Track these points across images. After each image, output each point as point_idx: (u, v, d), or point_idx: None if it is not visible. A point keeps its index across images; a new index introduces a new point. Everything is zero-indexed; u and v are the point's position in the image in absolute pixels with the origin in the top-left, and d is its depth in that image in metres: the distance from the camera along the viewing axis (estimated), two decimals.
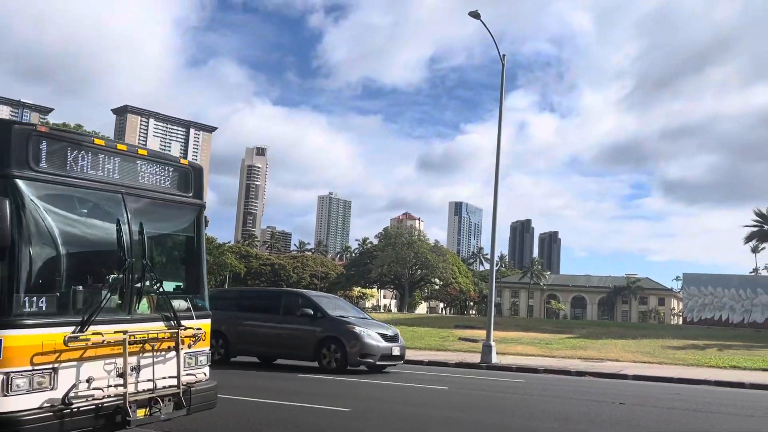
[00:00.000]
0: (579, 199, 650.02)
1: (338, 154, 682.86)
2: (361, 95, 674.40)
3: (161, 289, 6.46)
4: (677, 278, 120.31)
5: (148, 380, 6.20)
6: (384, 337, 16.51)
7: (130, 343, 5.96)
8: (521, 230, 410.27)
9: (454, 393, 13.12)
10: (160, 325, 6.42)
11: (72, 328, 5.57)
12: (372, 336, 16.23)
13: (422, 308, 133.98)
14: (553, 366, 19.71)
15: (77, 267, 6.04)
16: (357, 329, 16.15)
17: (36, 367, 5.31)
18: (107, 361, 5.84)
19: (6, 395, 5.15)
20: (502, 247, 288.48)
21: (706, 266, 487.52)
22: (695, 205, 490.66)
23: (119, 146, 6.41)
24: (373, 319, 18.66)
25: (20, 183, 5.43)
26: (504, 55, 23.33)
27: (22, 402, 5.22)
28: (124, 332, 5.94)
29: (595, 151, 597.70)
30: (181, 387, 6.43)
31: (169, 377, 6.39)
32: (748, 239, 54.26)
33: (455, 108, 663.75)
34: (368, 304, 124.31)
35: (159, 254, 7.02)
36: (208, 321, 7.21)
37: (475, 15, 22.84)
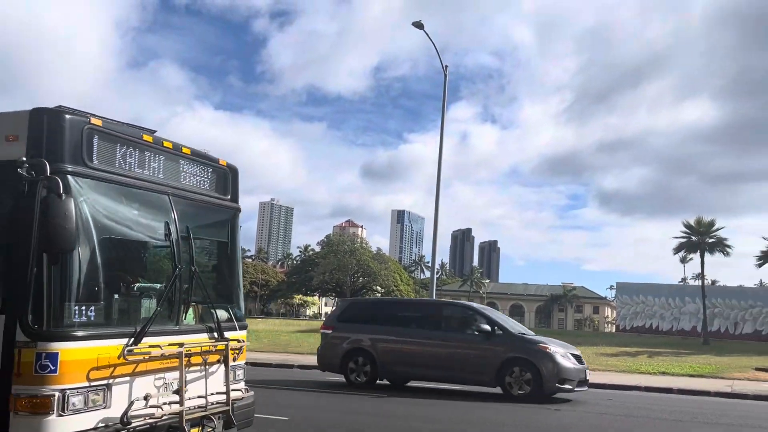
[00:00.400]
0: (518, 209, 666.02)
1: (281, 160, 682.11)
2: (306, 102, 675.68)
3: (209, 298, 6.09)
4: (611, 287, 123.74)
5: (199, 396, 5.77)
6: (576, 358, 14.24)
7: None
8: (462, 239, 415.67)
9: (393, 401, 13.12)
10: (204, 336, 6.02)
11: (125, 340, 5.13)
12: (568, 357, 13.91)
13: None
14: None
15: (125, 273, 5.65)
16: (551, 349, 13.81)
17: (92, 384, 4.86)
18: (157, 375, 5.41)
19: (62, 415, 4.64)
20: (443, 256, 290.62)
21: (639, 275, 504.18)
22: (629, 216, 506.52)
23: (165, 143, 5.93)
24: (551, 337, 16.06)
25: (74, 180, 4.96)
26: (446, 66, 23.67)
27: (77, 422, 4.74)
28: (180, 344, 5.52)
29: (534, 162, 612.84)
30: (231, 403, 6.00)
31: (217, 393, 5.96)
32: (677, 250, 56.10)
33: (399, 117, 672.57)
34: (309, 312, 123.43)
35: (200, 261, 6.47)
36: (246, 332, 6.79)
37: (418, 26, 23.09)
